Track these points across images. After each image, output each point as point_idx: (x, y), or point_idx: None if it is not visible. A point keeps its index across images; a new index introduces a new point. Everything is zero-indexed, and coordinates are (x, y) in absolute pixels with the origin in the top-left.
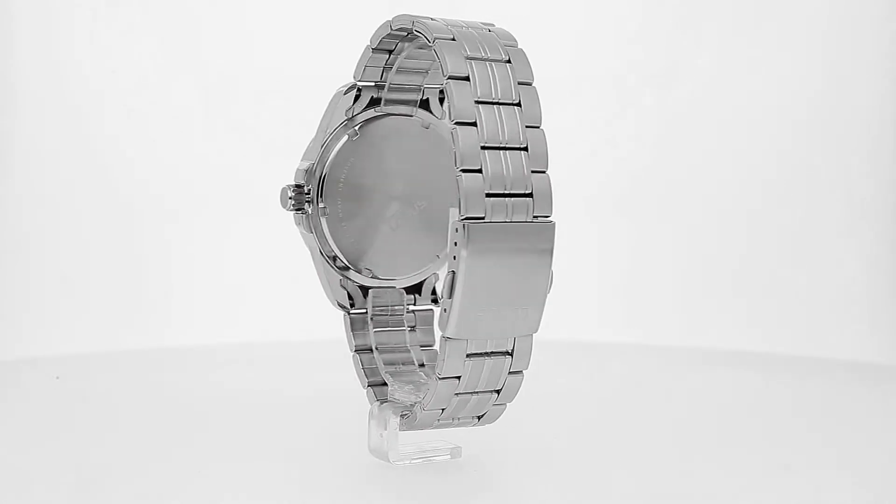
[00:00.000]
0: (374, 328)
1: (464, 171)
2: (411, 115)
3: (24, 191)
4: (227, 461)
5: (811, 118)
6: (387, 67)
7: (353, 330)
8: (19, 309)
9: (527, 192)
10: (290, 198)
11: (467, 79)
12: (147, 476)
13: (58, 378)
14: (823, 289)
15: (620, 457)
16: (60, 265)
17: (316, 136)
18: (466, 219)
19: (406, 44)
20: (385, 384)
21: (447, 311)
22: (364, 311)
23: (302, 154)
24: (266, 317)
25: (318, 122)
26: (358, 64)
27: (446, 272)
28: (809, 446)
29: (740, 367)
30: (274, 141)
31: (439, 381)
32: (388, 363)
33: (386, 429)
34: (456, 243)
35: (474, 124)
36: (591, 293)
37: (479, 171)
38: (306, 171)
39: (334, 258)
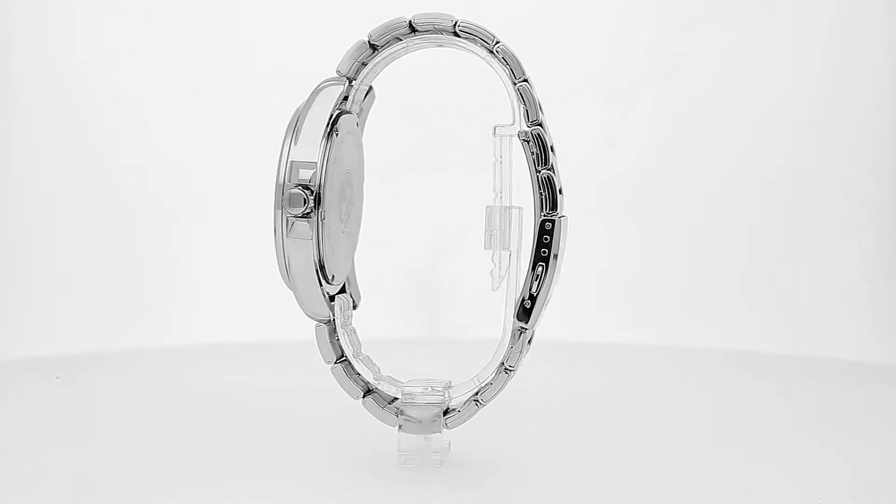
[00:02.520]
0: (347, 335)
1: (549, 169)
2: (350, 112)
3: (24, 191)
4: (228, 461)
5: (812, 118)
6: (363, 65)
7: (329, 341)
8: (19, 309)
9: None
10: (305, 200)
11: (527, 81)
12: (147, 476)
13: (58, 378)
14: (824, 289)
15: (620, 457)
16: (61, 265)
17: (308, 132)
18: (560, 217)
19: (399, 42)
20: (371, 391)
21: (532, 305)
22: (331, 319)
23: (284, 148)
24: (266, 317)
25: (304, 117)
26: (348, 57)
27: (529, 268)
28: (810, 446)
29: (741, 367)
30: (275, 141)
31: (509, 374)
32: (369, 367)
33: (440, 431)
34: (548, 239)
35: (541, 125)
36: (591, 293)
37: (552, 169)
38: (312, 171)
39: (321, 266)
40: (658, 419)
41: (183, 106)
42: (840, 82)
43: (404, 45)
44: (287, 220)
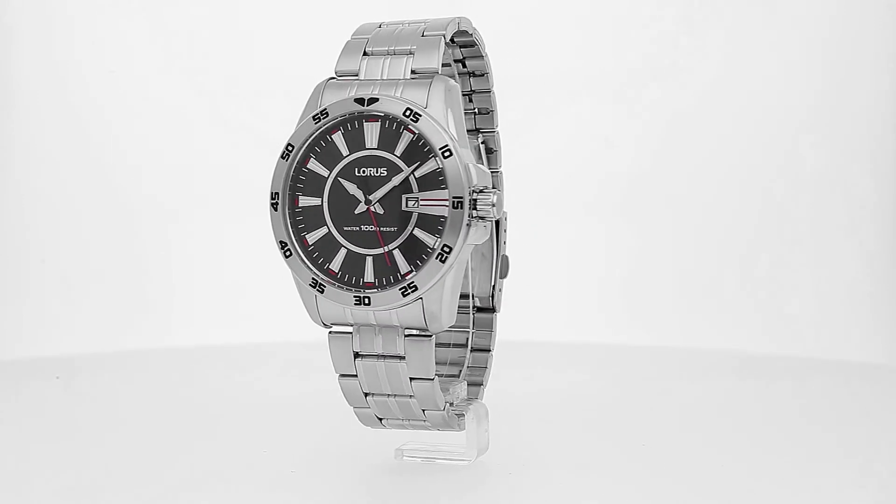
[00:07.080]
0: None
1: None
2: None
3: (23, 191)
4: (227, 462)
5: (812, 118)
6: None
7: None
8: (19, 309)
9: None
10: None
11: None
12: (147, 477)
13: (58, 378)
14: (825, 289)
15: (620, 458)
16: (60, 265)
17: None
18: None
19: None
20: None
21: (502, 290)
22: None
23: (458, 151)
24: (266, 317)
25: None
26: (437, 54)
27: (496, 259)
28: (809, 446)
29: (742, 368)
30: (275, 140)
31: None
32: None
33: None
34: (505, 230)
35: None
36: (591, 294)
37: None
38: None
39: None
40: (658, 420)
41: (182, 106)
42: (840, 83)
43: None
44: (470, 225)
